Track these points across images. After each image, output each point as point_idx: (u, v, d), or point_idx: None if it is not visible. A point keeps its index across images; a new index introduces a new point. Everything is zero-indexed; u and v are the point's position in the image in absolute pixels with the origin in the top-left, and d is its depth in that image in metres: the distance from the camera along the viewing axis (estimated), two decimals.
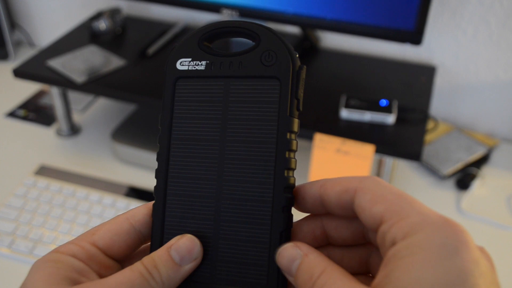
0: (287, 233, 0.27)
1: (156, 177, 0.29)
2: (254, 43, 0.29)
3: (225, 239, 0.27)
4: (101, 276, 0.27)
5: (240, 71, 0.28)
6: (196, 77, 0.29)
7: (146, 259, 0.27)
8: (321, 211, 0.28)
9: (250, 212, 0.27)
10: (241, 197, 0.27)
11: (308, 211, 0.29)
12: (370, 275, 0.29)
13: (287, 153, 0.27)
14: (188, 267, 0.27)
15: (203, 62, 0.29)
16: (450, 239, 0.22)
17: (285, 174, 0.27)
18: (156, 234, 0.28)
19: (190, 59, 0.29)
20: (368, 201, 0.25)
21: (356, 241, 0.28)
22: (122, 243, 0.28)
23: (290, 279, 0.26)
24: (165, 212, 0.28)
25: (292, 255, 0.26)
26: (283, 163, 0.27)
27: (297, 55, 0.28)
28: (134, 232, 0.29)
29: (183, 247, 0.27)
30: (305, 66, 0.29)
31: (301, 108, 0.28)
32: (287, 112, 0.27)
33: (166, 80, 0.29)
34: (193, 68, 0.29)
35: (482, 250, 0.23)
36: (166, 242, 0.27)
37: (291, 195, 0.27)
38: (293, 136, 0.27)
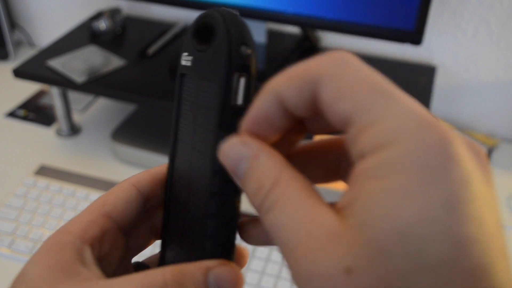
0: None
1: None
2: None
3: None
4: (110, 257, 0.25)
5: (204, 70, 0.24)
6: (188, 74, 0.26)
7: (174, 271, 0.22)
8: (289, 123, 0.21)
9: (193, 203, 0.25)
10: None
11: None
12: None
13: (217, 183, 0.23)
14: None
15: (190, 58, 0.26)
16: (434, 156, 0.16)
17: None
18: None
19: (187, 53, 0.26)
20: (332, 94, 0.19)
21: (331, 130, 0.22)
22: (133, 211, 0.26)
23: (237, 182, 0.21)
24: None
25: (238, 154, 0.21)
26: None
27: (248, 51, 0.23)
28: (141, 199, 0.26)
29: (227, 279, 0.22)
30: (251, 66, 0.23)
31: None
32: (218, 124, 0.23)
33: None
34: (187, 64, 0.26)
35: (474, 150, 0.18)
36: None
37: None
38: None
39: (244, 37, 0.23)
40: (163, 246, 0.27)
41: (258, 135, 0.21)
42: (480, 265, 0.16)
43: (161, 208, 0.28)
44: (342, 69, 0.19)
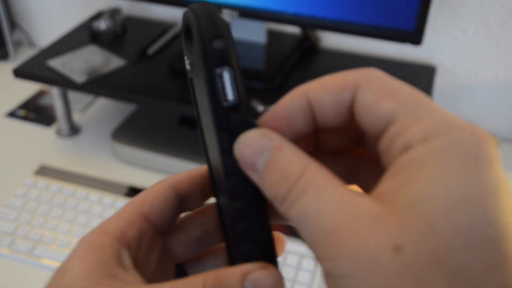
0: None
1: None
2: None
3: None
4: (147, 260, 0.24)
5: (196, 70, 0.23)
6: (193, 78, 0.25)
7: (213, 277, 0.21)
8: (307, 130, 0.22)
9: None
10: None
11: (296, 136, 0.22)
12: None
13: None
14: None
15: (188, 61, 0.25)
16: (480, 149, 0.18)
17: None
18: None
19: (186, 57, 0.25)
20: (375, 95, 0.20)
21: (343, 146, 0.23)
22: (170, 212, 0.25)
23: (254, 177, 0.21)
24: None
25: (258, 146, 0.20)
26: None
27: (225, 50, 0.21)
28: (179, 201, 0.25)
29: (264, 284, 0.21)
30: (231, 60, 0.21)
31: (242, 108, 0.22)
32: (216, 124, 0.22)
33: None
34: (188, 68, 0.25)
35: None
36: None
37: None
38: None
39: (217, 30, 0.21)
40: (226, 246, 0.26)
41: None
42: None
43: (198, 212, 0.27)
44: (379, 76, 0.20)
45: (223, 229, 0.25)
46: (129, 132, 0.95)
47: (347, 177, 0.24)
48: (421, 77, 0.93)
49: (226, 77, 0.21)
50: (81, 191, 0.85)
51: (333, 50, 1.01)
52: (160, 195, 0.25)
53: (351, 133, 0.23)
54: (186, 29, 0.23)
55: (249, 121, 0.22)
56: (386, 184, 0.19)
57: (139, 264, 0.24)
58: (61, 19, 1.21)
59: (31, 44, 1.28)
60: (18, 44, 1.28)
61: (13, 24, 1.24)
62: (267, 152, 0.20)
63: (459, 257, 0.17)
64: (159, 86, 0.88)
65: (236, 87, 0.21)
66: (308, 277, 0.72)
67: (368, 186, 0.23)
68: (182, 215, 0.27)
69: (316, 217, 0.18)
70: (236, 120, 0.21)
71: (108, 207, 0.82)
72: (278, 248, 0.24)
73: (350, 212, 0.18)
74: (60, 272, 0.22)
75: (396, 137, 0.19)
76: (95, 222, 0.80)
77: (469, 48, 0.95)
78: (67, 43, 0.99)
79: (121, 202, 0.83)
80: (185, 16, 0.23)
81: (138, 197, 0.25)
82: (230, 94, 0.21)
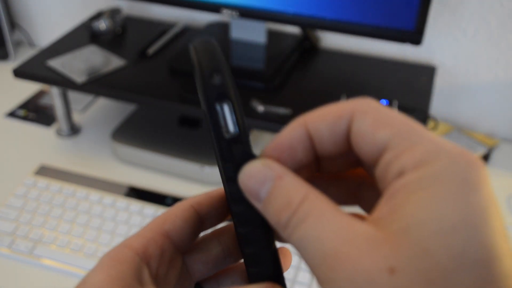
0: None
1: None
2: None
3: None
4: (167, 278, 0.25)
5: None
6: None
7: None
8: (308, 159, 0.23)
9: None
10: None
11: (296, 165, 0.23)
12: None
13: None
14: None
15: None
16: (470, 173, 0.18)
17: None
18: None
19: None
20: (370, 125, 0.21)
21: (344, 169, 0.24)
22: (190, 231, 0.26)
23: (258, 205, 0.22)
24: None
25: (261, 176, 0.21)
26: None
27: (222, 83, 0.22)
28: (199, 220, 0.26)
29: None
30: (230, 95, 0.22)
31: (242, 135, 0.23)
32: (220, 155, 0.23)
33: None
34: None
35: None
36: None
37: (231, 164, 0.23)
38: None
39: (215, 65, 0.22)
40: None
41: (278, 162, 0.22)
42: (508, 273, 0.18)
43: (216, 232, 0.28)
44: (374, 106, 0.21)
45: (239, 244, 0.27)
46: (129, 132, 0.95)
47: (349, 198, 0.25)
48: (421, 77, 0.93)
49: (226, 110, 0.22)
50: (81, 191, 0.85)
51: (333, 50, 1.01)
52: (181, 214, 0.26)
53: (350, 158, 0.24)
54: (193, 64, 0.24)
55: (251, 152, 0.23)
56: (382, 208, 0.19)
57: (158, 281, 0.25)
58: (61, 19, 1.21)
59: (31, 44, 1.28)
60: (18, 44, 1.28)
61: (13, 24, 1.24)
62: (269, 182, 0.21)
63: (452, 279, 0.17)
64: (159, 86, 0.88)
65: (236, 120, 0.23)
66: (308, 277, 0.72)
67: (369, 206, 0.25)
68: (202, 234, 0.28)
69: (316, 242, 0.19)
70: (238, 151, 0.23)
71: (108, 207, 0.82)
72: (285, 262, 0.26)
73: (347, 236, 0.19)
74: (81, 284, 0.23)
75: (391, 164, 0.20)
76: (95, 222, 0.80)
77: (469, 48, 0.95)
78: (67, 43, 0.99)
79: (121, 202, 0.83)
80: (190, 52, 0.24)
81: (161, 216, 0.26)
82: (231, 127, 0.23)
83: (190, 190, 0.88)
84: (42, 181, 0.87)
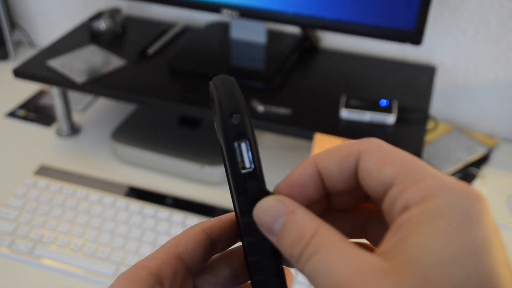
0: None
1: None
2: None
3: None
4: None
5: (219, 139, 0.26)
6: None
7: None
8: (318, 195, 0.25)
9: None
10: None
11: (308, 202, 0.25)
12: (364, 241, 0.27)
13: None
14: None
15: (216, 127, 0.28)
16: (471, 206, 0.20)
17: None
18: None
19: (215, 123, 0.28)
20: (376, 163, 0.22)
21: (353, 205, 0.26)
22: (202, 254, 0.27)
23: (272, 238, 0.23)
24: None
25: (275, 211, 0.23)
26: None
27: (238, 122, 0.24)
28: (210, 244, 0.28)
29: None
30: (246, 139, 0.24)
31: (258, 174, 0.24)
32: (235, 191, 0.24)
33: None
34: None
35: None
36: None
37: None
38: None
39: (235, 105, 0.24)
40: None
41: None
42: None
43: (226, 254, 0.30)
44: (380, 145, 0.23)
45: (248, 270, 0.28)
46: (129, 132, 0.95)
47: (356, 232, 0.27)
48: (421, 77, 0.93)
49: (244, 148, 0.24)
50: (81, 191, 0.85)
51: (333, 50, 1.01)
52: (194, 238, 0.27)
53: (359, 194, 0.25)
54: (212, 99, 0.26)
55: (264, 187, 0.24)
56: (388, 241, 0.21)
57: None
58: (61, 19, 1.21)
59: (31, 44, 1.28)
60: (18, 44, 1.28)
61: (13, 24, 1.24)
62: (282, 216, 0.23)
63: None
64: (159, 86, 0.88)
65: (253, 157, 0.24)
66: None
67: (375, 239, 0.26)
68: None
69: (327, 273, 0.21)
70: (252, 186, 0.24)
71: (108, 207, 0.82)
72: (287, 283, 0.27)
73: (356, 268, 0.20)
74: None
75: (396, 199, 0.21)
76: (95, 222, 0.80)
77: (469, 48, 0.95)
78: (67, 43, 0.99)
79: (121, 202, 0.83)
80: (210, 88, 0.25)
81: (174, 239, 0.27)
82: (247, 163, 0.24)
83: (190, 190, 0.88)
84: (42, 181, 0.87)
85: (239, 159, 0.24)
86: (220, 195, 0.87)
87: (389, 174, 0.22)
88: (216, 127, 0.25)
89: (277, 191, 0.25)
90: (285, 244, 0.22)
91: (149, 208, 0.82)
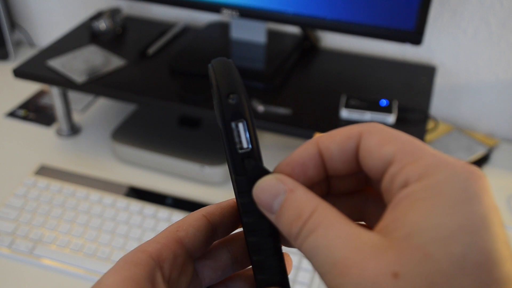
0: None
1: None
2: None
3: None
4: (178, 283, 0.26)
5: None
6: None
7: None
8: (319, 176, 0.25)
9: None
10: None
11: (310, 182, 0.25)
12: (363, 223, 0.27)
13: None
14: None
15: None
16: (471, 184, 0.20)
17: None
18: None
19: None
20: (376, 142, 0.23)
21: (352, 189, 0.26)
22: (202, 239, 0.27)
23: (271, 217, 0.24)
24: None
25: (274, 189, 0.23)
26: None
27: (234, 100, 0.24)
28: (211, 229, 0.28)
29: None
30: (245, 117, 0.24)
31: (255, 156, 0.25)
32: (234, 170, 0.25)
33: None
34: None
35: None
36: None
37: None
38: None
39: (232, 86, 0.24)
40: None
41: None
42: (508, 277, 0.19)
43: (226, 240, 0.30)
44: (380, 127, 0.23)
45: (248, 251, 0.28)
46: (129, 132, 0.95)
47: (354, 214, 0.27)
48: (421, 77, 0.93)
49: (241, 128, 0.24)
50: (81, 191, 0.85)
51: (333, 50, 1.01)
52: (194, 223, 0.27)
53: (358, 178, 0.25)
54: (210, 81, 0.26)
55: (262, 166, 0.25)
56: (387, 217, 0.21)
57: (171, 284, 0.26)
58: (61, 19, 1.21)
59: (31, 44, 1.28)
60: (18, 44, 1.28)
61: (13, 24, 1.24)
62: (282, 194, 0.23)
63: (453, 283, 0.18)
64: (159, 86, 0.88)
65: (250, 137, 0.24)
66: (308, 277, 0.72)
67: (374, 222, 0.26)
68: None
69: (325, 251, 0.21)
70: (250, 165, 0.24)
71: (108, 207, 0.82)
72: (286, 267, 0.27)
73: (354, 244, 0.20)
74: (96, 285, 0.24)
75: (396, 176, 0.21)
76: (95, 222, 0.80)
77: (469, 48, 0.95)
78: (67, 43, 0.99)
79: (121, 202, 0.83)
80: (208, 70, 0.26)
81: (174, 224, 0.28)
82: (244, 143, 0.24)
83: (190, 190, 0.88)
84: (42, 181, 0.87)
85: (236, 139, 0.24)
86: (220, 195, 0.87)
87: (389, 152, 0.22)
88: (215, 109, 0.25)
89: (277, 170, 0.25)
90: (284, 222, 0.23)
91: (149, 208, 0.82)
